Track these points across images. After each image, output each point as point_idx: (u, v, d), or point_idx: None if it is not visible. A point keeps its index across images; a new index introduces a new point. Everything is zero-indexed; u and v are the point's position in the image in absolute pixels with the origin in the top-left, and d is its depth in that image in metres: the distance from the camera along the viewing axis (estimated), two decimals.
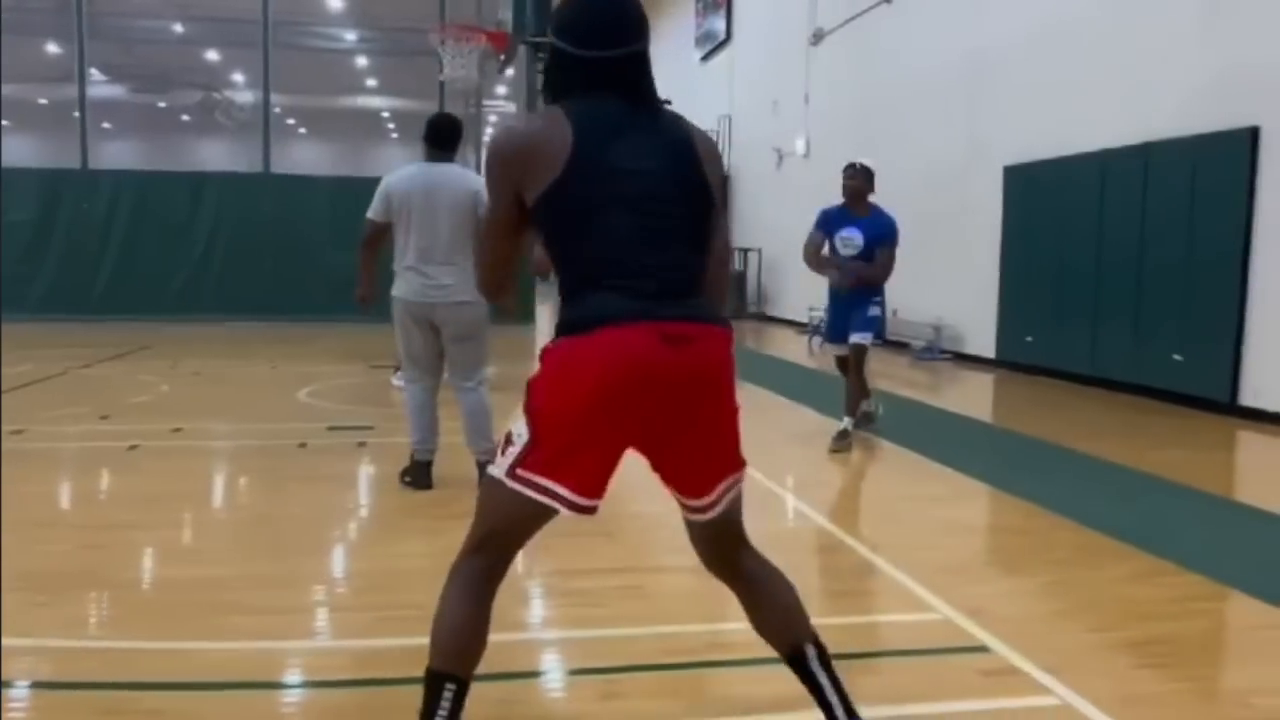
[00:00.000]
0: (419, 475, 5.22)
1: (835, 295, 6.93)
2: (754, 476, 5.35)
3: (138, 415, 7.48)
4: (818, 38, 16.77)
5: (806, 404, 8.60)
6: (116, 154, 32.13)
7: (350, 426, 7.03)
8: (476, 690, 2.34)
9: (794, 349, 14.22)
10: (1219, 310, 8.22)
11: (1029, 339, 10.97)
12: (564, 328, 2.14)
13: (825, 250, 6.89)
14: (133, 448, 6.17)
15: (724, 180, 2.38)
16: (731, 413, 2.25)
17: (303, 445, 6.40)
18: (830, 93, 16.42)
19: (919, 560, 4.15)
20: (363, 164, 41.84)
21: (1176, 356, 8.67)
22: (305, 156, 40.47)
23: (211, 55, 36.69)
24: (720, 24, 22.07)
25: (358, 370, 10.13)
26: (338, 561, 4.09)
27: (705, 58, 23.31)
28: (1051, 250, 10.45)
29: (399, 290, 5.02)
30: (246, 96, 40.26)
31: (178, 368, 10.22)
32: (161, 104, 41.60)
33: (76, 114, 16.83)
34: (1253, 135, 7.98)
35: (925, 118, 13.25)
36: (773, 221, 18.93)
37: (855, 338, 6.80)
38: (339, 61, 38.21)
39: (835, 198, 6.92)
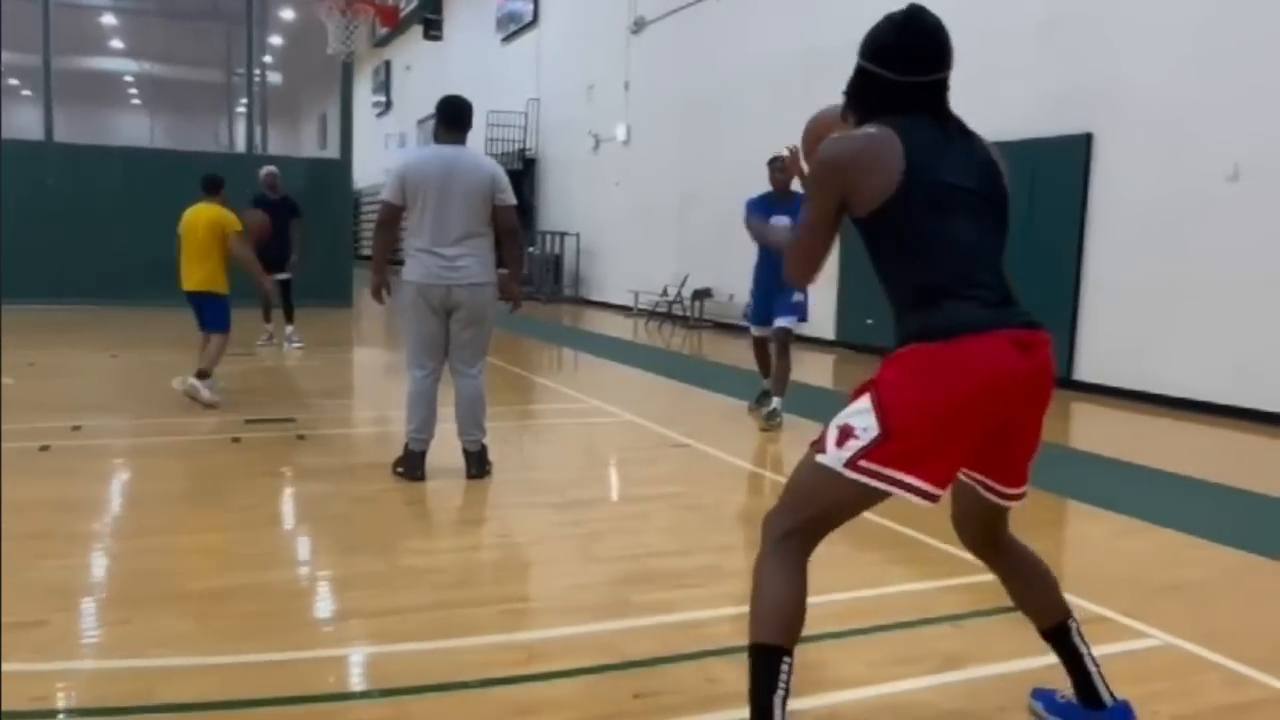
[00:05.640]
0: (413, 465, 5.09)
1: (760, 280, 7.28)
2: (716, 455, 5.62)
3: (11, 412, 6.70)
4: (639, 26, 17.10)
5: (677, 380, 8.90)
6: None
7: (270, 419, 6.66)
8: (681, 673, 2.67)
9: (659, 333, 14.53)
10: (1056, 296, 9.24)
11: (869, 321, 11.80)
12: (923, 334, 2.21)
13: None
14: (44, 448, 5.57)
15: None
16: (1047, 410, 2.40)
17: (236, 440, 6.01)
18: (653, 81, 16.80)
19: (939, 528, 4.51)
20: (98, 131, 38.21)
21: None
22: (28, 121, 36.68)
23: None
24: (525, 6, 21.96)
25: None
26: (403, 558, 3.94)
27: (507, 39, 23.13)
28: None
29: (411, 274, 4.91)
30: None
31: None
32: None
33: None
34: (1087, 140, 9.03)
35: (760, 110, 13.85)
36: (589, 206, 19.15)
37: (780, 322, 7.20)
38: (78, 18, 34.67)
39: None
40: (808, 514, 2.33)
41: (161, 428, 6.35)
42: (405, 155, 5.13)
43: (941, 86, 2.40)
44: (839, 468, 2.22)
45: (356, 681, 2.81)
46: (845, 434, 2.23)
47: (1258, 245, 7.73)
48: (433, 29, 16.11)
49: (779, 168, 7.17)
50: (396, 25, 16.18)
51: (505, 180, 5.08)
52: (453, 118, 5.06)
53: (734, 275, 14.19)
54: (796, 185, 7.03)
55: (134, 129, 46.97)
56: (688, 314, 15.33)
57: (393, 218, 5.04)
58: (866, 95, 2.40)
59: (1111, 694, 2.59)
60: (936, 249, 2.26)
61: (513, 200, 5.10)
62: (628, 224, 17.62)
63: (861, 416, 2.22)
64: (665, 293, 15.56)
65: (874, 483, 2.20)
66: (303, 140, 45.50)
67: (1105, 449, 6.54)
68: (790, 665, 2.28)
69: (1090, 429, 8.04)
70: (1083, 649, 2.60)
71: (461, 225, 4.92)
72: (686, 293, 15.28)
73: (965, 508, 2.58)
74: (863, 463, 2.20)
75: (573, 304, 19.48)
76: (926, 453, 2.19)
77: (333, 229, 15.29)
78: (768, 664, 2.27)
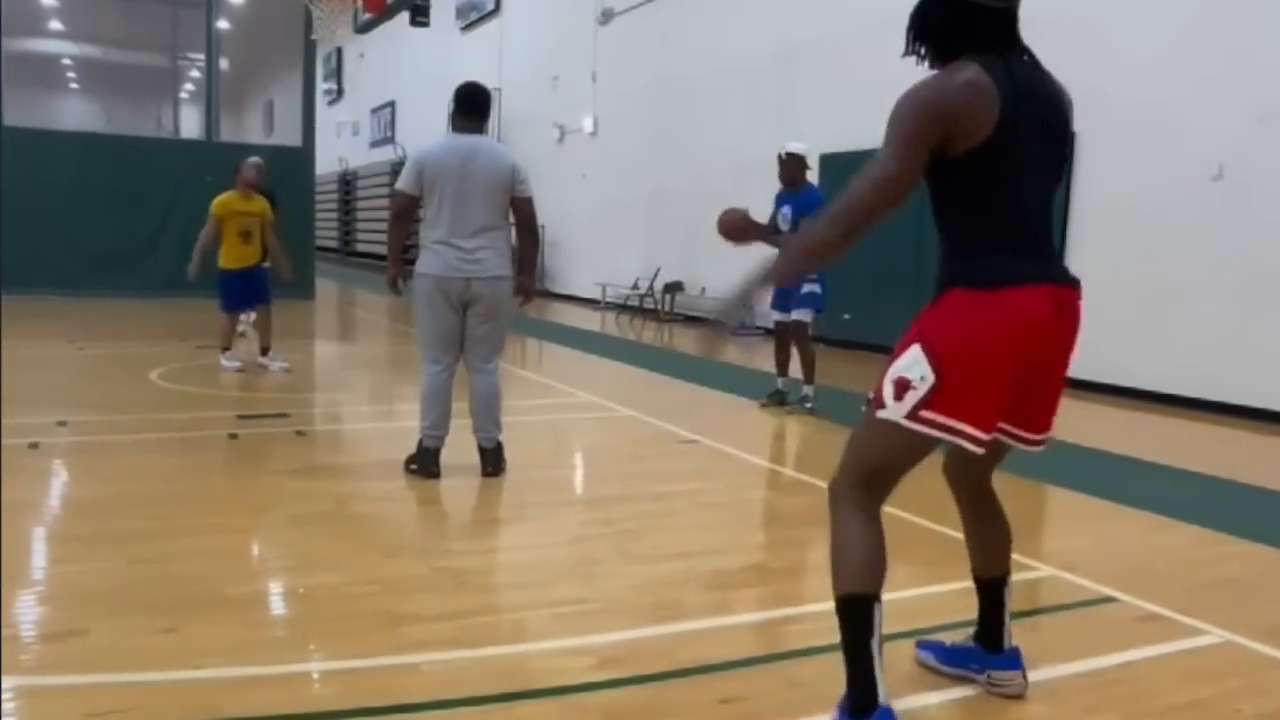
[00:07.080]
0: (428, 462, 4.94)
1: None
2: (727, 450, 5.54)
3: None
4: (607, 17, 16.95)
5: (664, 374, 8.84)
6: None
7: (263, 415, 6.45)
8: (761, 677, 2.67)
9: (626, 328, 14.42)
10: None
11: (846, 316, 11.80)
12: (975, 281, 2.30)
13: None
14: (33, 445, 5.32)
15: None
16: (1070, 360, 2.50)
17: (234, 436, 5.80)
18: (621, 73, 16.67)
19: None
20: (36, 115, 36.95)
21: None
22: None
23: None
24: None
25: (186, 351, 9.18)
26: (440, 559, 3.81)
27: (467, 28, 22.81)
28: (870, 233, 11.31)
29: (428, 266, 4.76)
30: None
31: None
32: None
33: None
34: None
35: (732, 105, 13.82)
36: (556, 199, 18.87)
37: (795, 314, 7.21)
38: None
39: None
40: (872, 469, 2.39)
41: (149, 424, 6.12)
42: (422, 144, 4.99)
43: (1017, 13, 2.41)
44: (900, 419, 2.29)
45: (430, 690, 2.68)
46: (902, 387, 2.30)
47: (1241, 245, 7.85)
48: (420, 15, 15.83)
49: (779, 162, 7.24)
50: (383, 10, 15.81)
51: (525, 172, 4.96)
52: (471, 106, 4.92)
53: (705, 269, 14.16)
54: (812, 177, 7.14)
55: (73, 113, 45.49)
56: (659, 308, 15.24)
57: (408, 208, 4.89)
58: (946, 27, 2.36)
59: (1010, 642, 2.75)
60: (1006, 198, 2.32)
61: (531, 192, 4.98)
62: (595, 217, 17.47)
63: (916, 367, 2.28)
64: (636, 286, 15.46)
65: (934, 433, 2.28)
66: (246, 127, 44.53)
67: (1109, 445, 6.57)
68: (880, 608, 2.32)
69: (1085, 425, 8.08)
70: (1007, 604, 2.75)
71: (480, 217, 4.79)
72: (658, 286, 15.20)
73: (966, 462, 2.64)
74: (924, 413, 2.27)
75: (538, 296, 19.28)
76: (977, 399, 2.28)
77: (295, 219, 14.89)
78: (860, 612, 2.31)
